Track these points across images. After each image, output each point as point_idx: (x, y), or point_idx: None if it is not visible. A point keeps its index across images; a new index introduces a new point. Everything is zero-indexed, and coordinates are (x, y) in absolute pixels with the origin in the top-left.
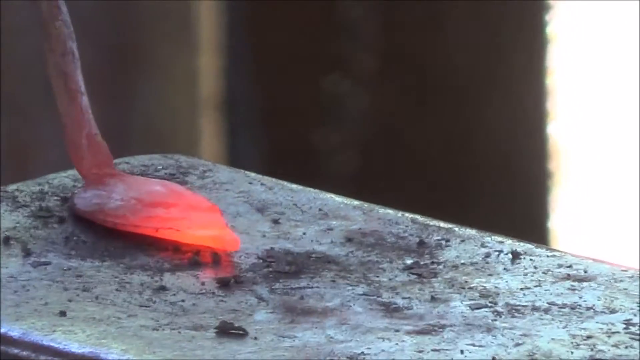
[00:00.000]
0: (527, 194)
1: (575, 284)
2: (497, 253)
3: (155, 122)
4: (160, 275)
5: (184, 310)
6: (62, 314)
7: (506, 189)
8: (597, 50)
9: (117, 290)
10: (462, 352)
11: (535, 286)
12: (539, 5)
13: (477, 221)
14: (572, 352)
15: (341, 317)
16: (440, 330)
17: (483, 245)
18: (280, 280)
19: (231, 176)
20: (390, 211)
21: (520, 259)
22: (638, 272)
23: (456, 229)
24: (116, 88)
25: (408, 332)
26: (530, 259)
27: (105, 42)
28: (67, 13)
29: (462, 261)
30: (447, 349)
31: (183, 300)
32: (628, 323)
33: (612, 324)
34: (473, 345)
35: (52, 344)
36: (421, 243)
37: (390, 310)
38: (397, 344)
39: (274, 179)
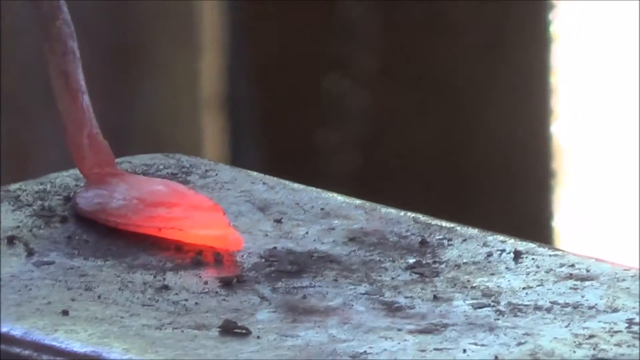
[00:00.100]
0: (529, 193)
1: (578, 283)
2: (499, 252)
3: (157, 122)
4: (163, 274)
5: (186, 310)
6: (65, 313)
7: (508, 188)
8: (600, 49)
9: (119, 289)
10: (464, 351)
11: (538, 285)
12: (541, 4)
13: (479, 220)
14: (574, 352)
15: (343, 316)
16: (443, 329)
17: (485, 245)
18: (283, 280)
19: (233, 175)
20: (392, 210)
21: (523, 258)
22: None
23: (458, 228)
24: (118, 88)
25: (410, 332)
26: (533, 258)
27: (107, 41)
28: (68, 12)
29: (464, 260)
30: (449, 348)
31: (185, 300)
32: (630, 322)
33: (615, 323)
34: (475, 344)
35: (54, 343)
36: (423, 242)
37: (392, 309)
38: (399, 343)
39: (275, 179)
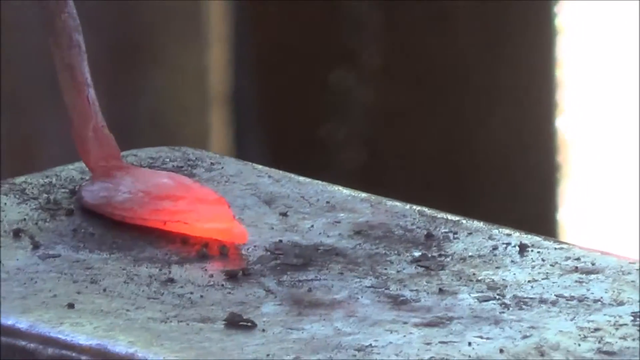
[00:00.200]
0: (534, 186)
1: (583, 276)
2: (504, 245)
3: (163, 116)
4: (168, 267)
5: (191, 303)
6: (70, 306)
7: (514, 182)
8: (605, 43)
9: (125, 282)
10: (469, 344)
11: (543, 279)
12: None
13: (485, 213)
14: (579, 345)
15: (349, 309)
16: (448, 322)
17: (491, 238)
18: (288, 273)
19: (239, 169)
20: (398, 203)
21: (528, 251)
22: None
23: (464, 221)
24: (125, 82)
25: (416, 325)
26: (538, 252)
27: (115, 36)
28: (73, 6)
29: (470, 254)
30: (454, 341)
31: (191, 293)
32: (636, 315)
33: (620, 316)
34: (480, 337)
35: (59, 336)
36: (429, 235)
37: (397, 302)
38: (404, 336)
39: (281, 172)
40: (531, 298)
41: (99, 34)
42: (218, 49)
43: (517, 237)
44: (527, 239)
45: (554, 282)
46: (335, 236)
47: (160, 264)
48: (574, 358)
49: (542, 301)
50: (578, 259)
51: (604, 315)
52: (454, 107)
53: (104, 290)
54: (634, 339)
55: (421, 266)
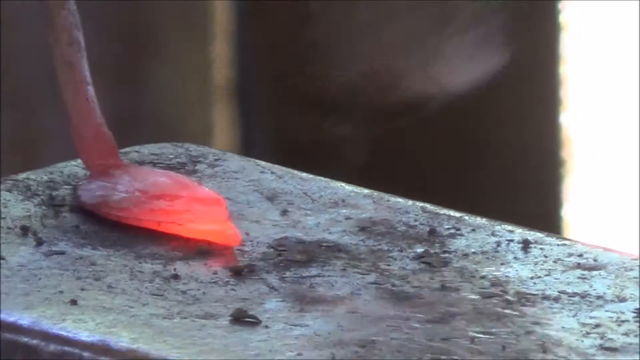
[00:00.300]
0: (537, 183)
1: (586, 272)
2: (507, 242)
3: (166, 111)
4: (172, 264)
5: (195, 299)
6: (73, 302)
7: (517, 178)
8: (610, 39)
9: (128, 279)
10: (472, 340)
11: (546, 275)
12: None
13: (488, 210)
14: (582, 341)
15: (351, 305)
16: (451, 318)
17: (493, 234)
18: (291, 269)
19: (241, 165)
20: (401, 200)
21: (531, 247)
22: None
23: (466, 217)
24: (127, 77)
25: (418, 321)
26: (541, 248)
27: (117, 30)
28: (74, 2)
29: (473, 250)
30: (457, 338)
31: (194, 289)
32: (638, 312)
33: (622, 312)
34: (483, 333)
35: (61, 332)
36: (432, 232)
37: (400, 298)
38: (407, 332)
39: (284, 168)
40: (534, 294)
41: (101, 30)
42: (222, 43)
43: (520, 233)
44: (530, 235)
45: (556, 279)
46: (338, 232)
47: (164, 260)
48: (576, 354)
49: (545, 297)
50: (581, 255)
51: (606, 311)
52: (456, 101)
53: (108, 286)
54: (636, 335)
55: (424, 262)
